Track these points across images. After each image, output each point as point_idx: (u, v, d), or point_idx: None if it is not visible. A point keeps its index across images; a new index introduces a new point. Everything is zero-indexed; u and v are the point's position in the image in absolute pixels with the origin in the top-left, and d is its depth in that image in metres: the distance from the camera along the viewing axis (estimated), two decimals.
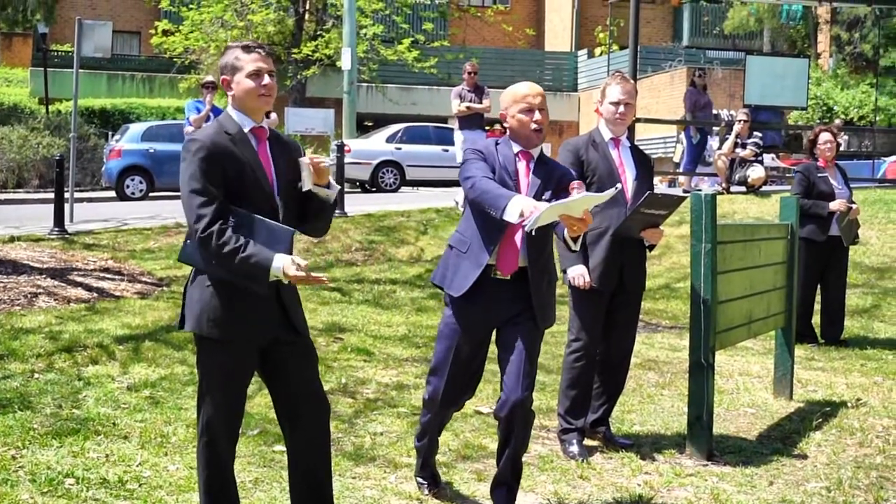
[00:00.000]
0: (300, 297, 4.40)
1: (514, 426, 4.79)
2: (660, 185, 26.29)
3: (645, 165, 6.11)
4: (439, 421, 5.26)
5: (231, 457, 4.27)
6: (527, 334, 4.84)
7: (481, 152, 4.89)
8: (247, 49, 4.20)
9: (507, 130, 4.99)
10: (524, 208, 4.44)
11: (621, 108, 6.01)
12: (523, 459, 4.98)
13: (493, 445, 5.43)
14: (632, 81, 6.19)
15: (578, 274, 5.92)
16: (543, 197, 4.83)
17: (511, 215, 4.48)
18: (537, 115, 4.89)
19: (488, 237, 4.81)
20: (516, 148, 4.94)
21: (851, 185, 10.29)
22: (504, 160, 4.89)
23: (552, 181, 4.93)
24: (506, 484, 4.89)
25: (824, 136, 9.87)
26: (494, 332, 4.97)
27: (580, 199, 4.47)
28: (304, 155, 4.30)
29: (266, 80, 4.20)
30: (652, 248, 6.08)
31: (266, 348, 4.20)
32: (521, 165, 4.94)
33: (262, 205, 4.11)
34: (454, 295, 4.88)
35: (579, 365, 6.06)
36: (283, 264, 4.01)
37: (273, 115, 14.12)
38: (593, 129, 6.17)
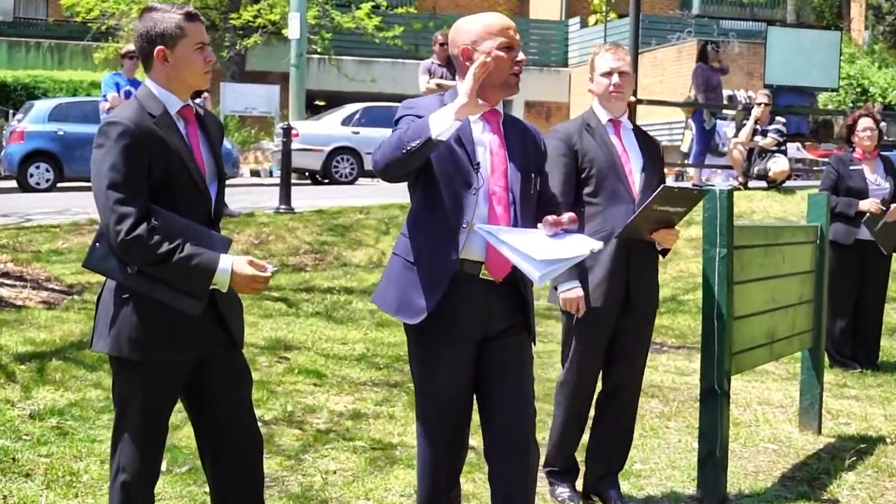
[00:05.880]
0: (241, 303, 4.36)
1: (524, 471, 4.54)
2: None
3: (652, 152, 5.89)
4: None
5: (151, 499, 4.24)
6: (524, 353, 4.59)
7: (418, 116, 4.36)
8: (190, 17, 4.14)
9: (462, 75, 4.47)
10: (454, 113, 4.12)
11: (615, 79, 5.73)
12: None
13: (477, 488, 5.40)
14: (625, 48, 5.99)
15: (574, 297, 5.58)
16: (530, 174, 4.56)
17: (439, 127, 4.13)
18: (520, 56, 4.51)
19: (447, 237, 4.40)
20: None
21: None
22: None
23: (528, 149, 4.62)
24: None
25: (864, 122, 9.84)
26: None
27: (572, 244, 4.38)
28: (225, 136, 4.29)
29: (210, 53, 4.20)
30: (665, 252, 5.83)
31: (194, 369, 4.17)
32: (487, 131, 4.53)
33: (194, 201, 4.09)
34: (410, 322, 4.45)
35: (577, 401, 5.89)
36: (234, 266, 3.99)
37: (206, 95, 14.07)
38: (586, 112, 5.92)
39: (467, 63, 4.46)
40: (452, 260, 4.39)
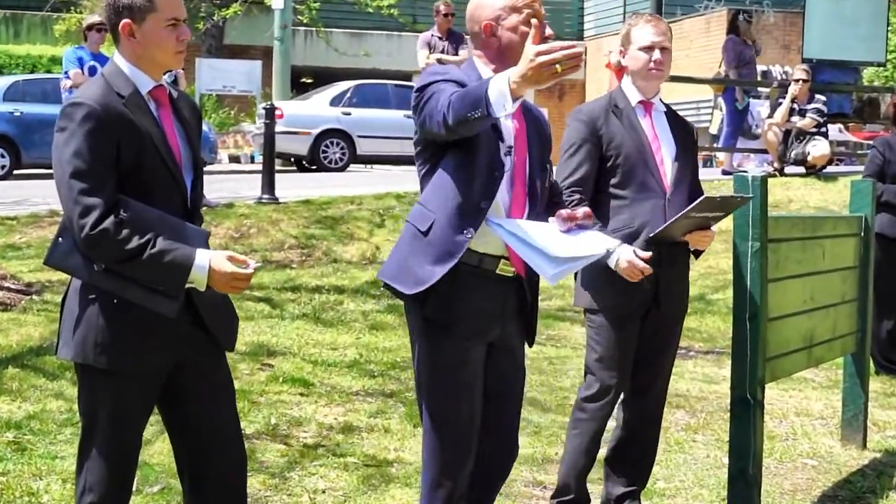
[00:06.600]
0: (230, 300, 4.37)
1: (497, 486, 4.85)
2: None
3: (686, 139, 5.84)
4: None
5: None
6: (521, 365, 4.80)
7: (453, 80, 4.42)
8: None
9: (483, 51, 4.62)
10: (510, 79, 4.00)
11: (656, 55, 5.66)
12: None
13: None
14: (665, 22, 5.91)
15: (629, 260, 5.32)
16: (544, 161, 4.68)
17: (497, 102, 4.02)
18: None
19: (465, 214, 4.46)
20: None
21: None
22: None
23: (542, 138, 4.74)
24: None
25: None
26: None
27: (587, 241, 4.43)
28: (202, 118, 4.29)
29: (184, 31, 4.17)
30: (699, 253, 5.82)
31: (170, 372, 4.18)
32: (508, 117, 4.50)
33: (168, 191, 4.09)
34: (405, 291, 4.52)
35: (600, 416, 5.81)
36: (211, 262, 4.00)
37: (180, 72, 14.04)
38: (614, 90, 5.83)
39: (491, 39, 4.57)
40: (466, 238, 4.45)
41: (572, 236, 4.47)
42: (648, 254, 5.35)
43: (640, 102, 5.74)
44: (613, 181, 5.61)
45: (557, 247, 4.36)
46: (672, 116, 5.86)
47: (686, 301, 5.95)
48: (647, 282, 5.53)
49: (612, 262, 5.38)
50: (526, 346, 4.87)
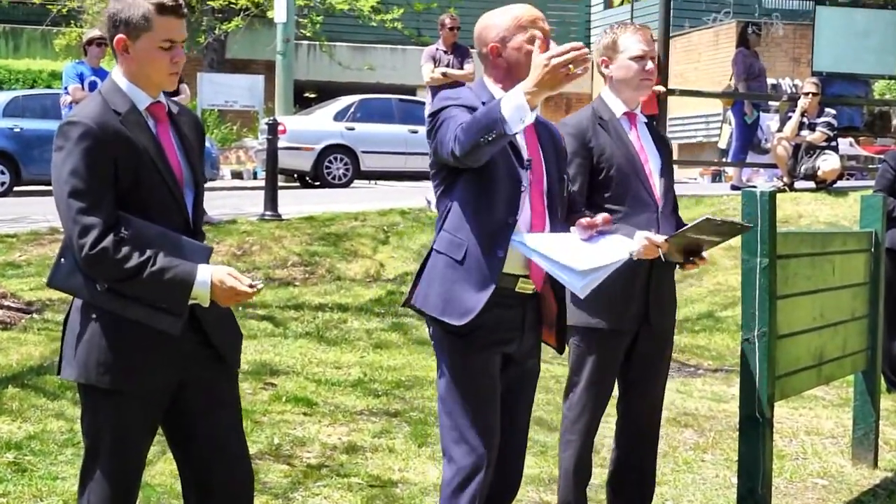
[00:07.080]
0: (234, 316, 4.39)
1: (507, 500, 4.88)
2: (700, 179, 26.34)
3: (666, 150, 5.85)
4: None
5: None
6: (533, 387, 4.88)
7: (464, 106, 4.53)
8: (162, 9, 4.09)
9: (492, 72, 4.75)
10: (525, 96, 4.14)
11: (648, 64, 5.64)
12: None
13: None
14: (650, 31, 5.93)
15: (644, 240, 5.14)
16: (562, 175, 4.77)
17: (514, 117, 4.17)
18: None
19: (495, 233, 4.57)
20: None
21: None
22: None
23: (558, 151, 4.84)
24: None
25: None
26: None
27: (609, 248, 4.52)
28: (206, 134, 4.31)
29: (179, 53, 4.17)
30: (682, 265, 5.61)
31: (174, 390, 4.20)
32: (522, 132, 4.59)
33: (168, 209, 4.11)
34: (455, 323, 4.57)
35: (585, 435, 5.76)
36: (213, 276, 4.02)
37: (184, 86, 14.06)
38: (596, 101, 5.79)
39: (498, 60, 4.69)
40: (500, 258, 4.55)
41: (594, 244, 4.57)
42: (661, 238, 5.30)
43: (625, 114, 5.72)
44: (607, 195, 5.56)
45: (581, 259, 4.45)
46: (651, 128, 5.87)
47: (674, 317, 5.94)
48: (640, 298, 5.59)
49: (634, 254, 5.18)
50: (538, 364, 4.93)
